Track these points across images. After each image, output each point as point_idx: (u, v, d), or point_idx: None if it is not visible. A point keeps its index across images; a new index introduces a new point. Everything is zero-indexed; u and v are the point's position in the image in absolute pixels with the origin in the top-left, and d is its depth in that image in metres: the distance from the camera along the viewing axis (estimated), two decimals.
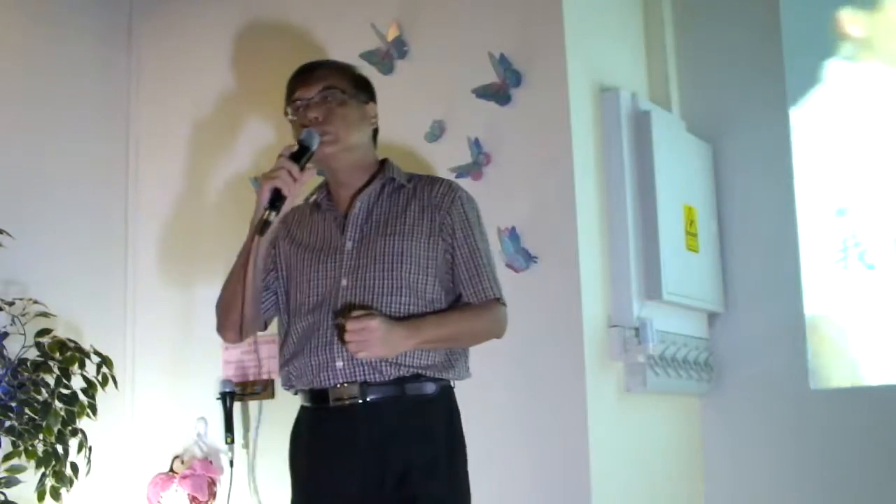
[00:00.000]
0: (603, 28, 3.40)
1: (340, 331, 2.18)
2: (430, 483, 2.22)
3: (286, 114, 2.35)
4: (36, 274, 3.59)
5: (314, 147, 2.24)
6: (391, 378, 2.23)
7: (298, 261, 2.35)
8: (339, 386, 2.24)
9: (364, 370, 2.22)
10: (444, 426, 2.28)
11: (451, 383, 2.34)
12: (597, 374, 3.02)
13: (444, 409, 2.30)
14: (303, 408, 2.35)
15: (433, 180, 2.40)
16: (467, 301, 2.32)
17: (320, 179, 2.48)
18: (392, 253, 2.27)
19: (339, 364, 2.23)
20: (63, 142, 3.86)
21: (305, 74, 2.35)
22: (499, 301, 2.36)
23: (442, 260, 2.31)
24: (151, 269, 3.97)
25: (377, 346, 2.15)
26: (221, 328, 2.40)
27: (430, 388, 2.27)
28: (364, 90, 2.40)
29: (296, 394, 2.36)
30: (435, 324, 2.26)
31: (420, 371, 2.25)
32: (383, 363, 2.22)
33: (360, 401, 2.22)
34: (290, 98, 2.35)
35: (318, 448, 2.28)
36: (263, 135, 3.70)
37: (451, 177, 3.12)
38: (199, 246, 3.80)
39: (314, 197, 2.42)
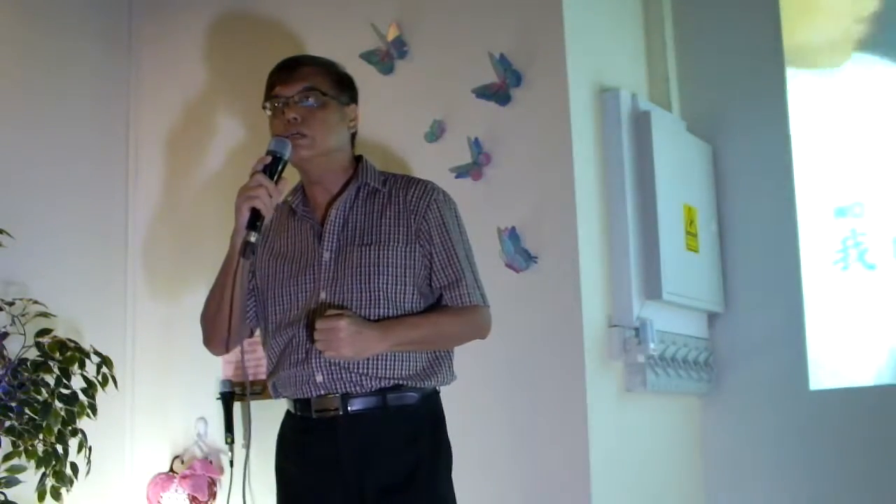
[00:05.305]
0: (603, 28, 3.40)
1: (311, 330, 2.16)
2: (411, 492, 2.19)
3: (264, 108, 2.30)
4: (36, 274, 3.59)
5: (286, 156, 2.19)
6: (372, 390, 2.20)
7: (277, 272, 2.31)
8: (320, 397, 2.22)
9: (344, 383, 2.20)
10: (427, 434, 2.25)
11: (437, 388, 2.31)
12: (597, 374, 3.02)
13: (427, 417, 2.26)
14: (288, 412, 2.34)
15: (409, 182, 2.33)
16: (446, 304, 2.28)
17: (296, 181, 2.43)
18: (369, 264, 2.23)
19: (319, 378, 2.21)
20: (63, 142, 3.86)
21: (287, 71, 2.28)
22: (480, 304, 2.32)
23: (420, 267, 2.26)
24: (151, 268, 3.97)
25: (345, 345, 2.12)
26: (208, 342, 2.38)
27: (412, 397, 2.24)
28: (347, 91, 2.33)
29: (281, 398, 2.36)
30: (409, 326, 2.22)
31: (401, 381, 2.22)
32: (363, 377, 2.19)
33: (342, 412, 2.21)
34: (269, 93, 2.29)
35: (302, 458, 2.27)
36: (265, 134, 3.69)
37: (451, 177, 3.13)
38: (200, 245, 3.79)
39: (290, 200, 2.36)
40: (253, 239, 2.12)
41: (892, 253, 3.38)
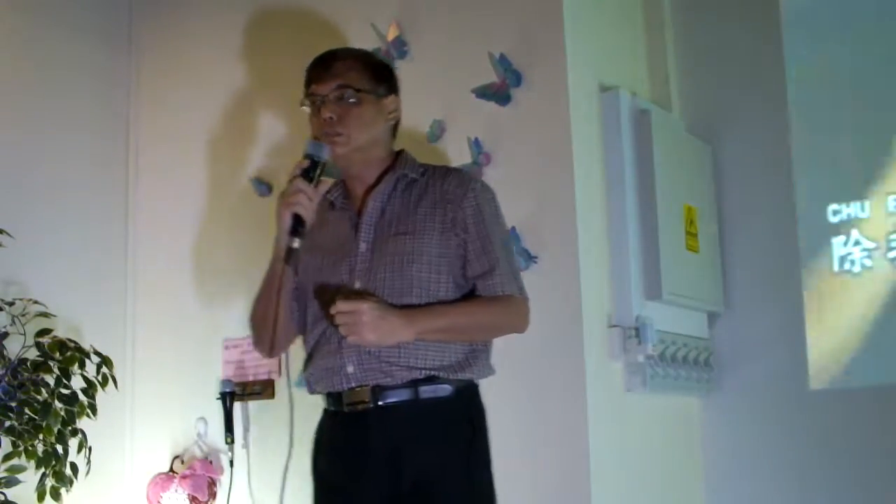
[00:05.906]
0: (603, 28, 3.40)
1: (333, 314, 2.13)
2: (444, 490, 2.15)
3: (303, 105, 2.28)
4: (36, 274, 3.60)
5: (324, 159, 2.19)
6: (404, 381, 2.16)
7: (316, 265, 2.30)
8: (351, 390, 2.19)
9: (375, 374, 2.16)
10: (461, 429, 2.20)
11: (475, 381, 2.26)
12: (597, 374, 3.02)
13: (461, 412, 2.22)
14: (324, 410, 2.31)
15: (446, 172, 2.33)
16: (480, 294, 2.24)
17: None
18: (403, 252, 2.20)
19: (350, 368, 2.18)
20: (63, 142, 3.86)
21: (322, 68, 2.27)
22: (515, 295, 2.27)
23: (455, 256, 2.23)
24: (151, 269, 3.97)
25: (367, 330, 2.08)
26: (257, 344, 2.37)
27: (445, 389, 2.19)
28: (384, 82, 2.31)
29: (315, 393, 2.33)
30: (437, 314, 2.18)
31: (435, 372, 2.17)
32: (394, 366, 2.16)
33: (373, 405, 2.17)
34: (306, 90, 2.28)
35: (335, 454, 2.25)
36: (264, 135, 3.70)
37: None
38: (200, 245, 3.80)
39: (329, 195, 2.35)
40: (296, 245, 2.13)
41: (891, 254, 3.37)
